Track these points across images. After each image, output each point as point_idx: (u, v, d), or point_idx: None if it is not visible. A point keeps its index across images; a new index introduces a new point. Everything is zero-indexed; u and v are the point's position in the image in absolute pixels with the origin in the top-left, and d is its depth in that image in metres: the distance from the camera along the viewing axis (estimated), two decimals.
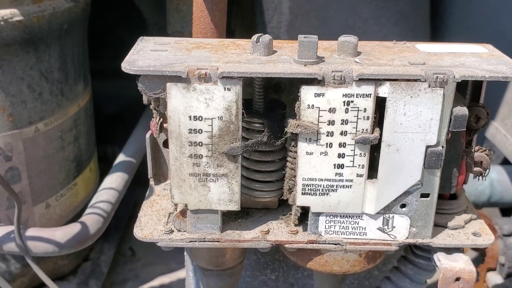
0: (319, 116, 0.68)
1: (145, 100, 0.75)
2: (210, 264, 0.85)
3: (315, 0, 1.42)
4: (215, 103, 0.68)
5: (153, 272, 1.55)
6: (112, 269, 1.54)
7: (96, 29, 1.46)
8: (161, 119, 0.78)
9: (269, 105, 0.75)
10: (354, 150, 0.70)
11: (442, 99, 0.67)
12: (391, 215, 0.74)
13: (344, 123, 0.68)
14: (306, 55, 0.68)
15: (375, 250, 0.77)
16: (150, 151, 0.83)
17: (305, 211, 0.76)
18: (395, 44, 0.79)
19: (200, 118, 0.69)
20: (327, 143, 0.70)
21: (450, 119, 0.69)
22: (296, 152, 0.71)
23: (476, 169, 0.77)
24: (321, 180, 0.72)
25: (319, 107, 0.68)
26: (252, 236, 0.76)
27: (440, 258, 0.76)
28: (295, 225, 0.77)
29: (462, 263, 0.75)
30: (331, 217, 0.74)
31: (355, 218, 0.74)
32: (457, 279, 0.75)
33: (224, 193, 0.73)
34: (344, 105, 0.67)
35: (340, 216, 0.74)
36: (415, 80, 0.67)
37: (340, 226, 0.75)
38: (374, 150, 0.71)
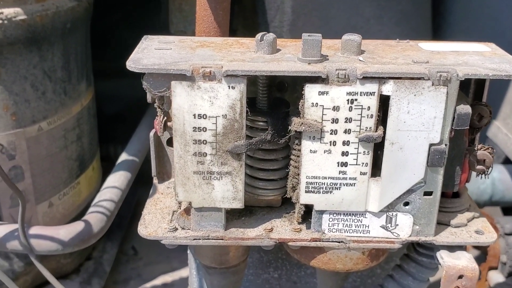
0: (323, 114, 0.69)
1: (149, 98, 0.75)
2: (214, 262, 0.86)
3: None
4: (220, 101, 0.68)
5: (156, 271, 1.55)
6: (115, 268, 1.55)
7: (97, 29, 1.47)
8: (165, 118, 0.79)
9: (273, 103, 0.76)
10: (357, 148, 0.70)
11: (445, 98, 0.68)
12: (394, 213, 0.74)
13: (348, 121, 0.69)
14: (310, 53, 0.68)
15: (378, 248, 0.77)
16: (154, 149, 0.83)
17: (308, 209, 0.76)
18: (398, 43, 0.79)
19: (205, 116, 0.69)
20: (331, 141, 0.70)
21: (454, 117, 0.69)
22: (299, 150, 0.72)
23: (479, 167, 0.77)
24: (325, 178, 0.72)
25: (323, 105, 0.68)
26: (255, 234, 0.76)
27: (443, 256, 0.76)
28: (299, 223, 0.77)
29: (465, 261, 0.76)
30: (334, 215, 0.75)
31: (358, 216, 0.75)
32: (460, 276, 0.75)
33: (228, 191, 0.73)
34: (348, 103, 0.68)
35: (344, 214, 0.75)
36: (419, 79, 0.67)
37: (343, 224, 0.75)
38: (378, 148, 0.71)
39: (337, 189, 0.72)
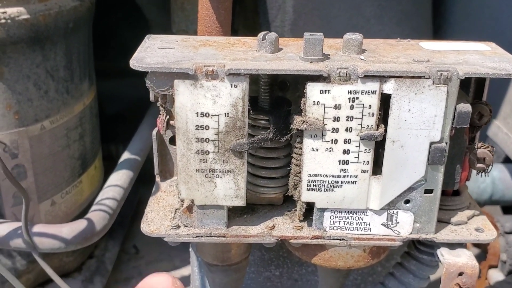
0: (324, 112, 0.69)
1: (152, 97, 0.76)
2: (216, 260, 0.86)
3: None
4: (222, 99, 0.69)
5: (157, 270, 1.56)
6: (116, 266, 1.55)
7: (99, 29, 1.47)
8: (168, 116, 0.79)
9: (275, 102, 0.76)
10: (359, 147, 0.71)
11: (446, 96, 0.68)
12: (395, 211, 0.75)
13: (349, 119, 0.69)
14: (311, 52, 0.69)
15: (379, 245, 0.78)
16: (156, 147, 0.84)
17: (310, 207, 0.76)
18: (399, 42, 0.80)
19: (207, 115, 0.70)
20: (332, 140, 0.71)
21: (454, 115, 0.70)
22: (301, 148, 0.72)
23: (479, 165, 0.78)
24: (326, 176, 0.73)
25: (324, 104, 0.69)
26: (257, 232, 0.77)
27: (444, 253, 0.77)
28: (300, 221, 0.78)
29: (465, 258, 0.76)
30: (336, 212, 0.75)
31: (359, 213, 0.75)
32: (460, 274, 0.75)
33: (230, 189, 0.74)
34: (349, 102, 0.68)
35: (345, 211, 0.75)
36: (420, 77, 0.67)
37: (344, 221, 0.76)
38: (379, 147, 0.72)
39: (338, 187, 0.73)
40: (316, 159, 0.72)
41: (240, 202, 0.75)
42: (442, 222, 0.78)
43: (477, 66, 0.70)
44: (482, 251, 1.38)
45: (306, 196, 0.74)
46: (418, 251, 0.83)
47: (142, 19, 1.96)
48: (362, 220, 0.75)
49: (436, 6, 1.68)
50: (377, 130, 0.70)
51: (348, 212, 0.75)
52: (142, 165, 1.32)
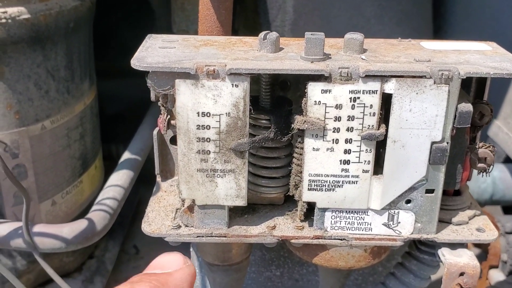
0: (325, 112, 0.69)
1: (152, 96, 0.75)
2: (217, 259, 0.86)
3: None
4: (223, 99, 0.69)
5: None
6: (116, 266, 1.55)
7: (98, 28, 1.47)
8: (169, 116, 0.79)
9: (276, 101, 0.76)
10: (360, 146, 0.71)
11: (447, 96, 0.68)
12: (396, 211, 0.75)
13: (350, 119, 0.69)
14: (313, 52, 0.69)
15: (380, 245, 0.78)
16: (157, 147, 0.84)
17: (311, 206, 0.76)
18: (400, 42, 0.80)
19: (208, 114, 0.70)
20: (333, 139, 0.70)
21: (455, 115, 0.70)
22: (302, 148, 0.72)
23: (480, 165, 0.78)
24: (327, 176, 0.73)
25: (325, 104, 0.69)
26: (258, 232, 0.77)
27: (445, 253, 0.77)
28: (301, 221, 0.78)
29: (466, 258, 0.76)
30: (337, 212, 0.75)
31: (360, 213, 0.75)
32: (462, 274, 0.75)
33: (231, 189, 0.74)
34: (350, 102, 0.68)
35: (346, 211, 0.75)
36: (421, 77, 0.67)
37: (345, 221, 0.76)
38: (380, 146, 0.72)
39: (339, 187, 0.73)
40: (317, 159, 0.72)
41: (241, 202, 0.75)
42: (443, 222, 0.78)
43: (478, 66, 0.70)
44: (483, 251, 1.39)
45: (307, 196, 0.74)
46: (419, 251, 0.83)
47: (142, 19, 1.96)
48: (363, 220, 0.75)
49: (436, 6, 1.68)
50: (378, 129, 0.70)
51: (349, 212, 0.75)
52: (142, 165, 1.32)
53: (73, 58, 1.23)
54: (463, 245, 0.79)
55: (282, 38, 0.76)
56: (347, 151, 0.71)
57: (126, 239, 1.66)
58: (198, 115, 0.69)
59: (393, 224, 0.75)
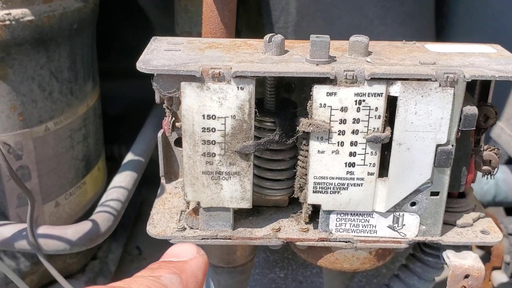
0: (331, 115, 0.69)
1: (157, 99, 0.75)
2: (222, 261, 0.86)
3: (322, 0, 1.43)
4: (228, 102, 0.69)
5: None
6: (119, 267, 1.55)
7: (101, 30, 1.47)
8: (173, 118, 0.79)
9: (281, 104, 0.76)
10: (365, 149, 0.71)
11: (452, 99, 0.68)
12: (401, 213, 0.75)
13: (355, 122, 0.69)
14: (318, 54, 0.69)
15: (385, 247, 0.78)
16: (162, 149, 0.84)
17: (315, 209, 0.76)
18: (404, 44, 0.80)
19: (214, 117, 0.70)
20: (338, 142, 0.70)
21: (460, 118, 0.70)
22: (307, 150, 0.72)
23: (485, 167, 0.78)
24: (333, 178, 0.73)
25: (331, 106, 0.69)
26: (263, 234, 0.77)
27: (449, 256, 0.77)
28: (306, 223, 0.78)
29: (471, 261, 0.76)
30: (342, 215, 0.75)
31: (365, 216, 0.75)
32: (466, 276, 0.75)
33: (236, 191, 0.74)
34: (356, 104, 0.68)
35: (351, 214, 0.75)
36: (426, 80, 0.67)
37: (350, 224, 0.76)
38: (385, 149, 0.72)
39: (344, 189, 0.73)
40: (322, 162, 0.72)
41: (246, 204, 0.75)
42: (448, 224, 0.78)
43: (483, 69, 0.70)
44: (486, 252, 1.38)
45: (312, 198, 0.74)
46: (423, 253, 0.83)
47: (145, 21, 1.96)
48: (368, 222, 0.75)
49: (439, 7, 1.68)
50: (383, 132, 0.70)
51: (354, 214, 0.75)
52: (145, 166, 1.32)
53: (76, 59, 1.23)
54: (467, 247, 0.79)
55: (287, 41, 0.76)
56: (352, 154, 0.71)
57: (129, 240, 1.66)
58: (204, 118, 0.70)
59: (398, 226, 0.75)
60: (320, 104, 0.69)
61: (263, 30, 1.47)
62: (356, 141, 0.70)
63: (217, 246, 0.83)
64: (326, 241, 0.76)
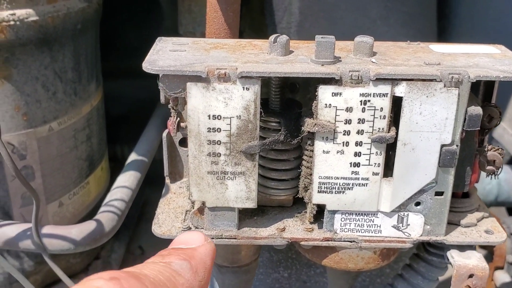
0: (336, 115, 0.69)
1: (162, 99, 0.76)
2: (226, 261, 0.87)
3: (325, 0, 1.44)
4: (234, 102, 0.69)
5: None
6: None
7: (103, 30, 1.48)
8: (178, 118, 0.79)
9: (285, 104, 0.76)
10: (370, 149, 0.71)
11: (457, 99, 0.69)
12: (405, 213, 0.75)
13: (360, 122, 0.70)
14: (323, 55, 0.69)
15: (389, 247, 0.78)
16: (166, 149, 0.84)
17: (320, 209, 0.77)
18: (409, 45, 0.80)
19: (219, 117, 0.70)
20: (343, 142, 0.71)
21: (465, 118, 0.70)
22: (312, 150, 0.72)
23: (489, 167, 0.78)
24: (337, 178, 0.73)
25: (336, 106, 0.69)
26: (268, 233, 0.77)
27: (454, 255, 0.77)
28: (310, 223, 0.78)
29: (475, 260, 0.77)
30: (346, 215, 0.76)
31: (370, 216, 0.75)
32: (471, 275, 0.76)
33: (241, 191, 0.74)
34: (361, 104, 0.69)
35: (356, 214, 0.75)
36: (431, 80, 0.68)
37: (355, 223, 0.76)
38: (389, 149, 0.72)
39: (349, 189, 0.73)
40: (327, 162, 0.72)
41: (251, 204, 0.75)
42: (452, 224, 0.79)
43: (488, 69, 0.70)
44: (489, 252, 1.39)
45: (317, 198, 0.74)
46: (427, 252, 0.84)
47: (147, 21, 1.97)
48: (373, 222, 0.76)
49: (441, 7, 1.69)
50: (388, 132, 0.70)
51: (358, 214, 0.75)
52: (149, 166, 1.33)
53: (80, 59, 1.23)
54: (471, 247, 0.79)
55: (292, 41, 0.76)
56: (357, 154, 0.71)
57: (132, 240, 1.66)
58: (209, 118, 0.70)
59: (402, 226, 0.76)
60: (326, 104, 0.69)
61: (266, 31, 1.47)
62: (361, 141, 0.71)
63: (222, 245, 0.83)
64: (331, 241, 0.77)
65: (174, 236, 0.76)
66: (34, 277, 1.28)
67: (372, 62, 0.71)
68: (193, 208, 0.79)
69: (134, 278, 0.45)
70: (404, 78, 0.68)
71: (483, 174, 0.82)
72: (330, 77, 0.68)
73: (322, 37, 0.69)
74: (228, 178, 0.73)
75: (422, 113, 0.69)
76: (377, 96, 0.68)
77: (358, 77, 0.68)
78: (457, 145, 0.71)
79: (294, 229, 0.78)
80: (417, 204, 0.75)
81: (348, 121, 0.70)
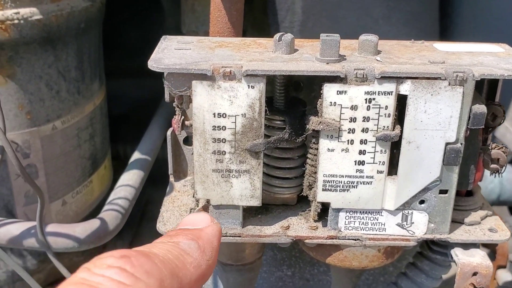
0: (341, 113, 0.70)
1: (167, 97, 0.76)
2: (230, 259, 0.87)
3: (327, 0, 1.44)
4: (239, 100, 0.69)
5: None
6: None
7: (105, 29, 1.48)
8: (183, 117, 0.80)
9: (290, 102, 0.77)
10: (375, 147, 0.71)
11: (461, 97, 0.69)
12: (410, 211, 0.75)
13: (365, 120, 0.70)
14: (328, 53, 0.69)
15: (393, 245, 0.78)
16: (171, 148, 0.84)
17: (324, 207, 0.77)
18: (413, 43, 0.80)
19: (224, 115, 0.70)
20: (348, 140, 0.71)
21: (469, 116, 0.71)
22: (317, 149, 0.73)
23: (493, 166, 0.78)
24: (342, 176, 0.73)
25: (341, 105, 0.69)
26: (272, 232, 0.77)
27: (458, 253, 0.77)
28: (315, 221, 0.79)
29: (479, 258, 0.77)
30: (351, 213, 0.76)
31: (374, 214, 0.76)
32: (475, 273, 0.76)
33: (246, 189, 0.74)
34: (366, 103, 0.69)
35: (360, 212, 0.76)
36: (436, 78, 0.68)
37: (359, 222, 0.76)
38: (394, 147, 0.72)
39: (354, 187, 0.73)
40: (332, 160, 0.72)
41: (256, 202, 0.75)
42: (456, 222, 0.79)
43: (492, 68, 0.70)
44: (491, 251, 1.39)
45: (321, 196, 0.75)
46: (431, 251, 0.84)
47: (149, 20, 1.97)
48: (377, 220, 0.76)
49: (443, 7, 1.69)
50: (393, 130, 0.70)
51: (363, 212, 0.76)
52: (152, 165, 1.33)
53: (83, 58, 1.23)
54: (475, 245, 0.79)
55: (296, 40, 0.76)
56: (362, 152, 0.72)
57: (134, 239, 1.66)
58: (214, 116, 0.70)
59: (406, 224, 0.76)
60: (330, 102, 0.69)
61: (269, 30, 1.47)
62: (366, 139, 0.71)
63: (226, 244, 0.83)
64: (335, 239, 0.77)
65: None
66: (37, 276, 1.28)
67: (377, 60, 0.71)
68: (198, 206, 0.80)
69: (144, 256, 0.47)
70: (409, 77, 0.68)
71: (485, 173, 0.82)
72: (335, 75, 0.68)
73: (327, 36, 0.70)
74: (233, 176, 0.74)
75: (427, 111, 0.69)
76: (382, 94, 0.68)
77: (363, 75, 0.68)
78: (461, 143, 0.71)
79: (298, 227, 0.78)
80: (422, 202, 0.75)
81: (353, 119, 0.70)
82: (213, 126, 0.71)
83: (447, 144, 0.71)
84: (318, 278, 1.15)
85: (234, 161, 0.73)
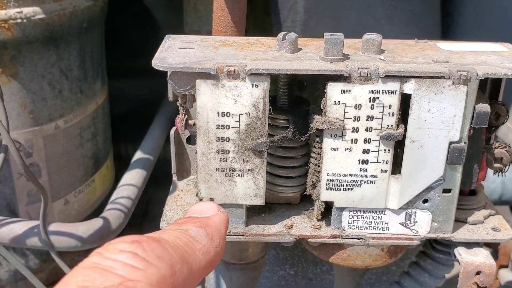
0: (345, 112, 0.70)
1: (170, 96, 0.76)
2: (234, 258, 0.87)
3: None
4: (243, 99, 0.69)
5: None
6: None
7: (107, 29, 1.48)
8: (186, 116, 0.80)
9: (293, 101, 0.77)
10: (378, 146, 0.71)
11: (465, 96, 0.69)
12: (413, 210, 0.75)
13: (369, 119, 0.70)
14: (332, 52, 0.69)
15: (397, 244, 0.78)
16: (174, 147, 0.84)
17: (327, 206, 0.77)
18: (417, 43, 0.81)
19: (228, 114, 0.70)
20: (352, 139, 0.71)
21: (473, 115, 0.71)
22: (320, 148, 0.73)
23: (496, 165, 0.78)
24: (346, 175, 0.73)
25: (345, 104, 0.69)
26: (276, 231, 0.77)
27: (461, 253, 0.77)
28: (318, 220, 0.79)
29: (482, 257, 0.77)
30: (354, 212, 0.76)
31: (378, 213, 0.76)
32: (478, 273, 0.76)
33: (249, 188, 0.74)
34: (369, 102, 0.69)
35: (364, 211, 0.76)
36: (440, 78, 0.68)
37: (363, 221, 0.76)
38: (397, 146, 0.73)
39: (357, 186, 0.73)
40: (335, 159, 0.72)
41: (259, 201, 0.75)
42: (459, 221, 0.79)
43: (496, 67, 0.70)
44: (493, 251, 1.39)
45: (325, 195, 0.75)
46: (434, 250, 0.84)
47: (151, 20, 1.97)
48: (381, 219, 0.76)
49: (445, 6, 1.69)
50: (397, 129, 0.70)
51: (366, 211, 0.76)
52: (154, 164, 1.33)
53: (86, 58, 1.24)
54: (478, 244, 0.79)
55: (300, 39, 0.76)
56: (365, 151, 0.72)
57: None
58: (218, 115, 0.70)
59: (410, 223, 0.76)
60: (334, 101, 0.69)
61: (271, 29, 1.47)
62: (370, 138, 0.71)
63: (230, 242, 0.83)
64: (339, 238, 0.77)
65: None
66: (39, 275, 1.28)
67: (381, 59, 0.71)
68: None
69: (155, 242, 0.47)
70: (413, 76, 0.68)
71: (490, 172, 0.82)
72: (339, 74, 0.68)
73: (331, 35, 0.70)
74: (237, 175, 0.74)
75: (431, 110, 0.69)
76: (386, 93, 0.69)
77: (367, 74, 0.68)
78: (465, 143, 0.71)
79: (301, 226, 0.78)
80: (425, 201, 0.75)
81: (356, 118, 0.70)
82: (217, 125, 0.71)
83: (450, 143, 0.71)
84: (321, 277, 1.15)
85: (238, 160, 0.73)
